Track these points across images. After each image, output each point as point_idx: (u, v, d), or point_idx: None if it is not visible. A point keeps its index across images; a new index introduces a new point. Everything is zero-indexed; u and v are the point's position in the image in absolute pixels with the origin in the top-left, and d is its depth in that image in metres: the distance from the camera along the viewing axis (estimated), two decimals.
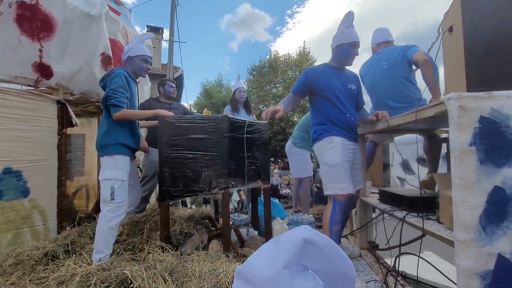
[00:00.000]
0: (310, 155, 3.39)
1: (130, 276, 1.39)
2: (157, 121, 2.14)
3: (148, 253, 1.76)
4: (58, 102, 2.25)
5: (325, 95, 1.86)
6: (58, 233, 2.21)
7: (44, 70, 2.09)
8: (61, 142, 2.27)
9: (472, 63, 1.17)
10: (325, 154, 1.80)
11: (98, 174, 2.86)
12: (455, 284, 1.81)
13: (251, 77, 18.94)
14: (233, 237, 2.40)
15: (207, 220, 2.57)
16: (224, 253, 1.83)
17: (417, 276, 1.53)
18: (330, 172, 1.78)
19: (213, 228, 2.46)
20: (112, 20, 2.38)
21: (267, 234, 2.28)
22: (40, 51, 1.99)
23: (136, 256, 1.81)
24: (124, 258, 1.74)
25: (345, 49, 1.80)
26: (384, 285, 1.64)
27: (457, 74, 1.26)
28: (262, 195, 2.61)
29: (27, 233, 2.04)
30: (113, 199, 1.77)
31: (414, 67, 1.91)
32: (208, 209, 2.97)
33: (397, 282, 1.54)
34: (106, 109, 1.85)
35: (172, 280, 1.43)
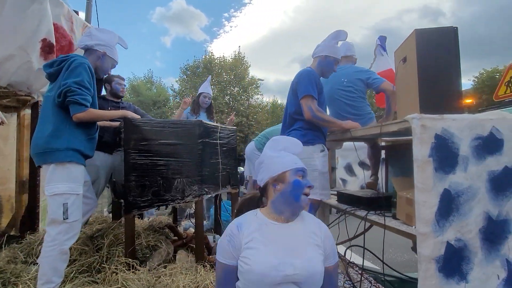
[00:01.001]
0: None
1: None
2: (117, 123, 1.92)
3: (113, 273, 1.57)
4: None
5: (320, 101, 1.93)
6: None
7: None
8: None
9: (424, 90, 1.46)
10: (316, 160, 1.86)
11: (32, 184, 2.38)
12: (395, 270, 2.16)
13: (185, 77, 18.32)
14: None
15: (167, 230, 2.41)
16: (199, 263, 1.76)
17: (362, 265, 1.80)
18: (320, 179, 1.87)
19: (175, 238, 2.32)
20: (55, 2, 1.99)
21: None
22: None
23: (96, 278, 1.58)
24: (81, 282, 1.50)
25: (330, 62, 1.94)
26: (347, 276, 1.86)
27: (411, 97, 1.54)
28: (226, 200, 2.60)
29: None
30: (66, 218, 1.49)
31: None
32: (164, 218, 2.78)
33: (359, 273, 1.77)
34: (61, 105, 1.55)
35: None
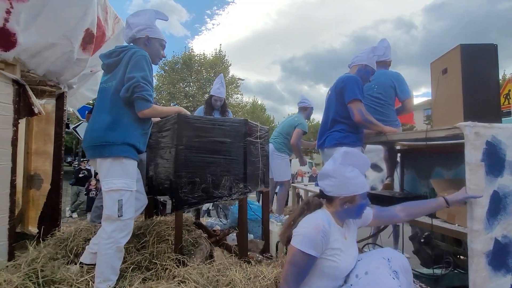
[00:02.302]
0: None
1: None
2: (158, 119, 1.91)
3: (165, 269, 1.56)
4: (16, 82, 1.69)
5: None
6: (10, 258, 1.66)
7: (5, 39, 1.53)
8: (16, 136, 1.71)
9: (468, 99, 1.60)
10: None
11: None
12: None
13: (162, 72, 17.95)
14: (233, 242, 2.35)
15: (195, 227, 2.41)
16: (242, 259, 1.79)
17: None
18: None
19: (205, 235, 2.32)
20: None
21: (266, 237, 2.33)
22: (8, 12, 1.45)
23: (147, 275, 1.57)
24: (138, 279, 1.48)
25: (368, 72, 2.06)
26: None
27: (453, 106, 1.68)
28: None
29: None
30: (121, 216, 1.46)
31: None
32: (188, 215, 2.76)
33: None
34: (127, 99, 1.50)
35: None
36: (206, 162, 1.75)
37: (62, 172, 2.29)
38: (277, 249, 2.15)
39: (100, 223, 2.24)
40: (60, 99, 2.27)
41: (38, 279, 1.41)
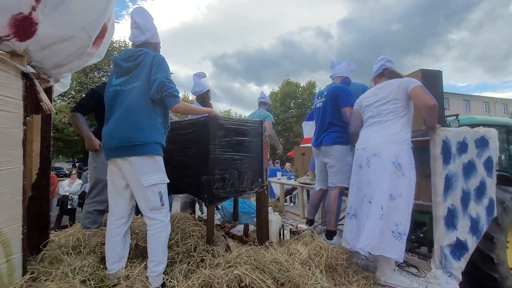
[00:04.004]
0: None
1: (241, 274, 1.40)
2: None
3: (202, 260, 1.69)
4: (25, 75, 1.51)
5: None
6: (24, 272, 1.49)
7: (25, 28, 1.36)
8: (26, 136, 1.53)
9: None
10: (349, 157, 2.40)
11: None
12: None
13: None
14: (239, 233, 2.52)
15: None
16: (263, 245, 2.03)
17: None
18: (349, 171, 2.35)
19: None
20: None
21: (266, 226, 2.58)
22: (37, 1, 1.31)
23: (190, 266, 1.66)
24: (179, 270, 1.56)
25: (348, 83, 2.62)
26: None
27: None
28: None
29: None
30: (163, 205, 1.57)
31: None
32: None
33: None
34: (158, 99, 1.56)
35: (270, 271, 1.56)
36: (233, 159, 1.92)
37: (49, 175, 2.05)
38: (280, 235, 2.44)
39: (95, 228, 2.15)
40: (48, 93, 2.02)
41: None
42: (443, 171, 1.98)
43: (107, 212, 2.52)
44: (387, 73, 2.10)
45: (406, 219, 1.75)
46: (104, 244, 1.82)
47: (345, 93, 2.40)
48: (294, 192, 6.53)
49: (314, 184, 3.45)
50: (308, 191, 5.24)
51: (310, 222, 2.85)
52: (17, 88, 1.47)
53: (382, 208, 1.76)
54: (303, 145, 4.55)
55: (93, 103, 2.27)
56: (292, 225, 2.76)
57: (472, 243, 2.06)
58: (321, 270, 1.64)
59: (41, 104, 1.61)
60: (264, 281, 1.44)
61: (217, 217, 3.16)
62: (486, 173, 2.26)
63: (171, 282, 1.44)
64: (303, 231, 2.44)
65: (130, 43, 1.74)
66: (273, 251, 1.85)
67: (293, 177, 4.38)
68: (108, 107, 1.66)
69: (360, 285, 1.67)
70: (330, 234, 2.33)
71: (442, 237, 1.91)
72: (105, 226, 1.68)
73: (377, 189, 1.84)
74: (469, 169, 2.16)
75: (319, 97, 2.69)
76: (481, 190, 2.21)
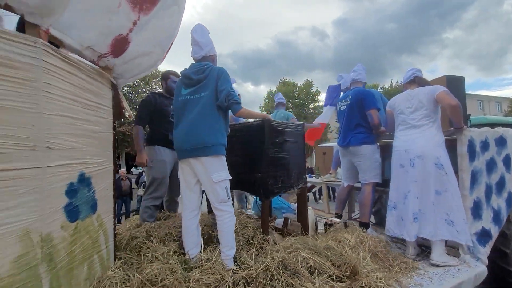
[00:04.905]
0: None
1: (306, 257, 1.63)
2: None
3: (261, 247, 1.92)
4: (113, 86, 1.74)
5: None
6: (115, 258, 1.72)
7: (120, 46, 1.59)
8: (114, 139, 1.76)
9: None
10: (376, 154, 2.64)
11: None
12: None
13: None
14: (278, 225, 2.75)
15: None
16: (306, 235, 2.27)
17: None
18: (379, 167, 2.64)
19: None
20: None
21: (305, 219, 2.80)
22: (134, 23, 1.52)
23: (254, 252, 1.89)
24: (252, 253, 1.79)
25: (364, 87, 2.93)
26: None
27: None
28: None
29: (96, 262, 1.50)
30: (229, 198, 1.81)
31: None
32: None
33: None
34: (225, 107, 1.78)
35: (326, 256, 1.79)
36: (283, 158, 2.14)
37: None
38: (316, 228, 2.67)
39: (153, 221, 2.38)
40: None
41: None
42: (469, 167, 2.22)
43: (162, 208, 2.76)
44: (417, 81, 2.34)
45: (456, 209, 2.05)
46: (171, 233, 2.06)
47: (370, 97, 2.63)
48: (313, 190, 6.78)
49: (338, 182, 3.69)
50: (329, 188, 5.48)
51: (339, 216, 3.08)
52: (108, 97, 1.70)
53: (433, 204, 2.09)
54: (323, 145, 4.77)
55: (148, 113, 2.50)
56: (325, 218, 2.99)
57: (495, 232, 2.29)
58: (369, 255, 1.88)
59: (123, 111, 1.84)
60: (323, 263, 1.68)
61: (250, 212, 3.39)
62: (505, 169, 2.49)
63: (244, 264, 1.67)
64: (338, 223, 2.67)
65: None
66: (320, 239, 2.09)
67: (314, 175, 4.61)
68: (177, 113, 1.89)
69: (402, 269, 1.90)
70: (365, 226, 2.56)
71: (469, 226, 2.15)
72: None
73: (424, 188, 2.13)
74: (491, 165, 2.40)
75: (343, 100, 2.92)
76: (501, 184, 2.44)
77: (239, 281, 1.46)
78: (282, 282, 1.43)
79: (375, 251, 2.05)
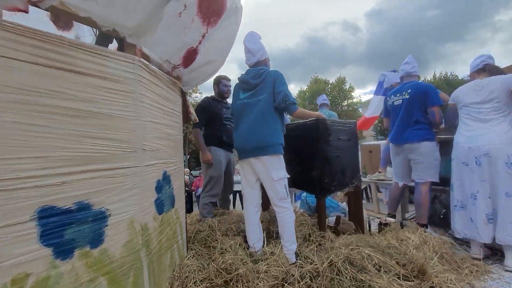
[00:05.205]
0: None
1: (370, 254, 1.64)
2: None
3: (319, 244, 1.96)
4: (182, 93, 1.92)
5: None
6: (187, 248, 1.90)
7: (190, 58, 1.76)
8: (182, 142, 1.94)
9: None
10: (436, 152, 2.53)
11: None
12: None
13: None
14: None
15: None
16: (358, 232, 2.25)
17: None
18: (438, 166, 2.52)
19: None
20: None
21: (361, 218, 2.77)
22: (203, 36, 1.69)
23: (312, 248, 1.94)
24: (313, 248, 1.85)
25: None
26: None
27: None
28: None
29: (175, 251, 1.69)
30: (288, 195, 1.87)
31: None
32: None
33: None
34: (282, 108, 1.87)
35: (390, 254, 1.77)
36: (337, 157, 2.16)
37: None
38: (369, 227, 2.63)
39: (211, 217, 2.53)
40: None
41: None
42: None
43: (217, 205, 2.94)
44: (488, 69, 2.16)
45: None
46: (231, 228, 2.20)
47: (434, 93, 2.49)
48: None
49: (388, 180, 3.56)
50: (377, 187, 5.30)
51: (392, 216, 2.98)
52: (179, 103, 1.88)
53: (503, 207, 1.94)
54: (368, 143, 4.64)
55: (205, 116, 2.69)
56: (379, 218, 2.92)
57: None
58: (436, 256, 1.81)
59: (190, 115, 2.02)
60: (387, 262, 1.67)
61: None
62: None
63: (307, 259, 1.73)
64: (394, 223, 2.59)
65: None
66: (378, 238, 2.06)
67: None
68: (236, 116, 2.02)
69: (473, 271, 1.80)
70: (423, 227, 2.45)
71: None
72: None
73: (493, 188, 1.98)
74: None
75: (397, 95, 2.78)
76: None
77: (306, 274, 1.53)
78: (350, 277, 1.46)
79: (440, 252, 1.97)
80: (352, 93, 27.57)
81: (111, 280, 1.16)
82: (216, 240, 2.03)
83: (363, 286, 1.43)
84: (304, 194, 3.32)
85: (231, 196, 3.25)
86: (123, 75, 1.25)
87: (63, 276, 1.00)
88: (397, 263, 1.70)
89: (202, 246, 2.00)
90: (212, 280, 1.51)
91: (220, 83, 2.92)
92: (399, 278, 1.56)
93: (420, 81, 2.72)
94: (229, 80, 3.00)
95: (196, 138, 2.69)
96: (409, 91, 2.67)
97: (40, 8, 1.04)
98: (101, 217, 1.14)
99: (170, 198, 1.64)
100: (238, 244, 1.87)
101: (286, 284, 1.46)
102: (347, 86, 27.34)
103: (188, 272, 1.57)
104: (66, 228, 1.03)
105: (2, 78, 0.89)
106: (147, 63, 1.40)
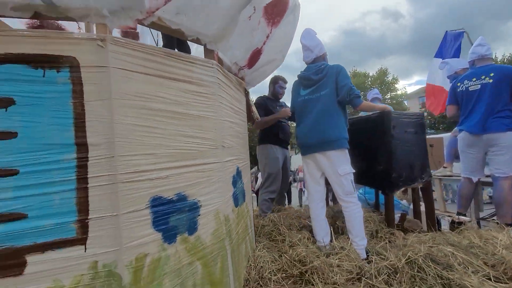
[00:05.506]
0: None
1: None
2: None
3: (389, 241, 1.88)
4: (246, 92, 2.02)
5: None
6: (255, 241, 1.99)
7: (255, 58, 1.86)
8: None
9: None
10: None
11: None
12: None
13: None
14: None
15: None
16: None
17: None
18: None
19: None
20: None
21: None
22: (267, 37, 1.77)
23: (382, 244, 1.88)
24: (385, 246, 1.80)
25: None
26: None
27: None
28: None
29: (248, 242, 1.79)
30: (354, 190, 1.84)
31: None
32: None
33: None
34: (346, 102, 1.85)
35: (474, 254, 1.64)
36: (405, 150, 2.06)
37: None
38: (439, 225, 2.45)
39: (269, 212, 2.58)
40: None
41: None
42: None
43: (275, 202, 3.01)
44: None
45: None
46: (293, 223, 2.24)
47: None
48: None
49: (456, 176, 3.26)
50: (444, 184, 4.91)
51: (463, 215, 2.73)
52: (244, 103, 1.98)
53: None
54: (428, 137, 4.30)
55: (262, 113, 2.77)
56: (450, 216, 2.70)
57: None
58: None
59: (252, 114, 2.11)
60: (473, 261, 1.54)
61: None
62: None
63: (379, 255, 1.68)
64: (469, 221, 2.37)
65: None
66: (456, 236, 1.92)
67: None
68: (298, 113, 2.05)
69: None
70: (508, 226, 2.20)
71: None
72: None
73: None
74: None
75: (474, 79, 2.50)
76: None
77: (382, 270, 1.49)
78: (434, 274, 1.39)
79: None
80: (396, 85, 25.76)
81: (204, 265, 1.28)
82: (280, 234, 2.09)
83: (450, 285, 1.35)
84: (361, 190, 3.22)
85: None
86: (206, 79, 1.37)
87: (169, 258, 1.15)
88: (485, 263, 1.57)
89: (267, 239, 2.08)
90: (287, 271, 1.56)
91: (277, 83, 2.97)
92: (489, 279, 1.44)
93: (502, 64, 2.44)
94: (286, 82, 3.02)
95: (263, 120, 2.59)
96: (491, 74, 2.40)
97: (144, 25, 1.19)
98: (195, 207, 1.27)
99: (242, 193, 1.74)
100: (306, 238, 1.90)
101: (363, 278, 1.45)
102: (390, 78, 25.58)
103: (262, 262, 1.65)
104: (170, 216, 1.17)
105: (123, 87, 1.05)
106: (221, 66, 1.51)
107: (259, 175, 5.85)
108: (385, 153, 1.98)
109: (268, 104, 2.84)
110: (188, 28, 1.31)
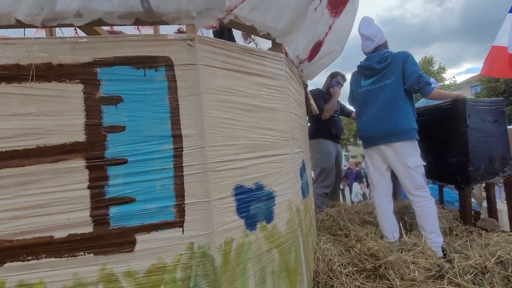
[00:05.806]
0: None
1: None
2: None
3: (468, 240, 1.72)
4: (304, 85, 2.02)
5: None
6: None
7: (315, 51, 1.85)
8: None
9: None
10: None
11: None
12: None
13: None
14: None
15: None
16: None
17: None
18: None
19: None
20: None
21: None
22: (330, 28, 1.76)
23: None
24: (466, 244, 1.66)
25: None
26: None
27: None
28: None
29: (312, 235, 1.79)
30: (426, 184, 1.73)
31: None
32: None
33: None
34: (415, 90, 1.75)
35: None
36: (482, 141, 1.87)
37: None
38: None
39: (324, 207, 2.52)
40: None
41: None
42: None
43: (328, 197, 2.96)
44: None
45: None
46: (353, 218, 2.17)
47: None
48: None
49: None
50: None
51: None
52: (302, 96, 1.98)
53: None
54: None
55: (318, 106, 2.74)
56: None
57: None
58: None
59: (310, 107, 2.10)
60: None
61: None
62: None
63: (460, 254, 1.56)
64: None
65: None
66: None
67: None
68: (360, 104, 1.99)
69: None
70: None
71: None
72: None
73: None
74: None
75: None
76: None
77: (468, 269, 1.38)
78: None
79: None
80: (443, 75, 23.28)
81: (281, 253, 1.31)
82: (341, 229, 2.05)
83: None
84: None
85: None
86: (276, 72, 1.40)
87: (251, 244, 1.20)
88: None
89: (328, 233, 2.05)
90: (358, 264, 1.53)
91: (335, 77, 2.90)
92: None
93: None
94: (345, 80, 2.92)
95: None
96: None
97: (223, 24, 1.26)
98: (271, 197, 1.30)
99: (307, 185, 1.74)
100: (372, 233, 1.83)
101: (447, 276, 1.35)
102: (436, 68, 23.23)
103: (330, 255, 1.64)
104: (250, 204, 1.22)
105: (208, 82, 1.13)
106: (287, 59, 1.53)
107: None
108: (460, 144, 1.82)
109: (324, 97, 2.79)
110: (260, 23, 1.35)
